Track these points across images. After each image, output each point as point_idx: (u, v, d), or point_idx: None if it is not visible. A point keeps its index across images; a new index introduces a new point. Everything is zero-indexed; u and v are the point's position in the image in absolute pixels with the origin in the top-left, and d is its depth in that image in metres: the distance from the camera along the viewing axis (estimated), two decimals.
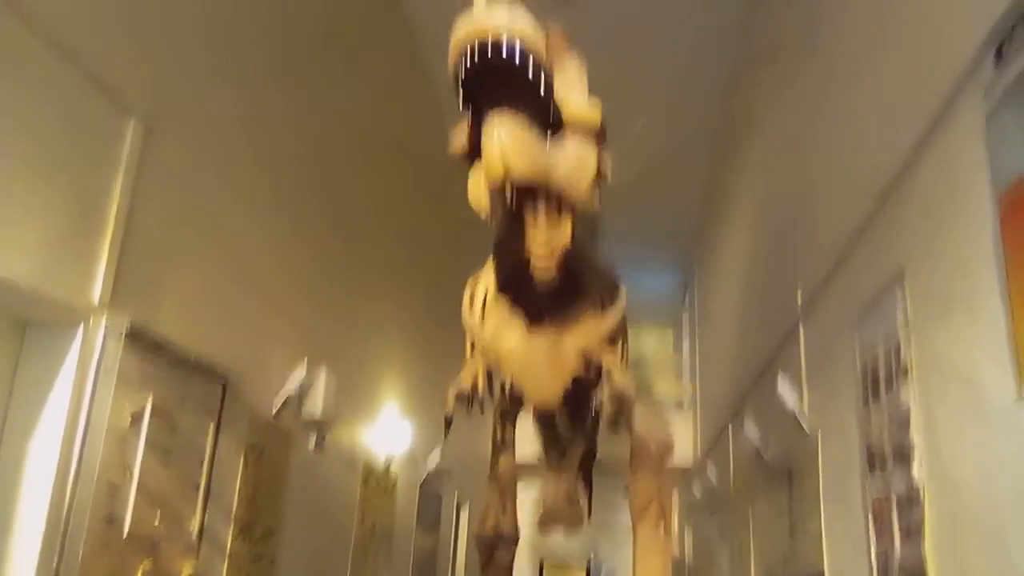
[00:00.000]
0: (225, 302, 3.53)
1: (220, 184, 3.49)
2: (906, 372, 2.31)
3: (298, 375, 3.96)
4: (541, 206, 2.07)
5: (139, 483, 2.82)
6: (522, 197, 2.03)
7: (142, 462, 2.84)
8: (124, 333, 2.71)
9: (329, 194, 4.70)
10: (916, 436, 2.23)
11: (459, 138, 2.07)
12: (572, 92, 2.03)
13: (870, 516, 2.59)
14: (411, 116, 6.25)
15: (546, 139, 1.94)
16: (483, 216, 2.18)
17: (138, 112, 2.81)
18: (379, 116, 5.54)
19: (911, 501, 2.24)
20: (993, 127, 1.79)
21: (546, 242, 2.14)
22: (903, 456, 2.31)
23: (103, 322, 2.62)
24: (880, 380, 2.54)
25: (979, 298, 1.84)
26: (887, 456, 2.45)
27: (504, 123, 1.78)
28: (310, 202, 4.43)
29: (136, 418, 2.84)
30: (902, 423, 2.32)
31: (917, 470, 2.21)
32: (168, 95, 3.06)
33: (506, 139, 1.78)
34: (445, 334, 2.77)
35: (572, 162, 2.01)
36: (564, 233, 2.15)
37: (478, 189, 2.11)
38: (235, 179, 3.62)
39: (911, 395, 2.28)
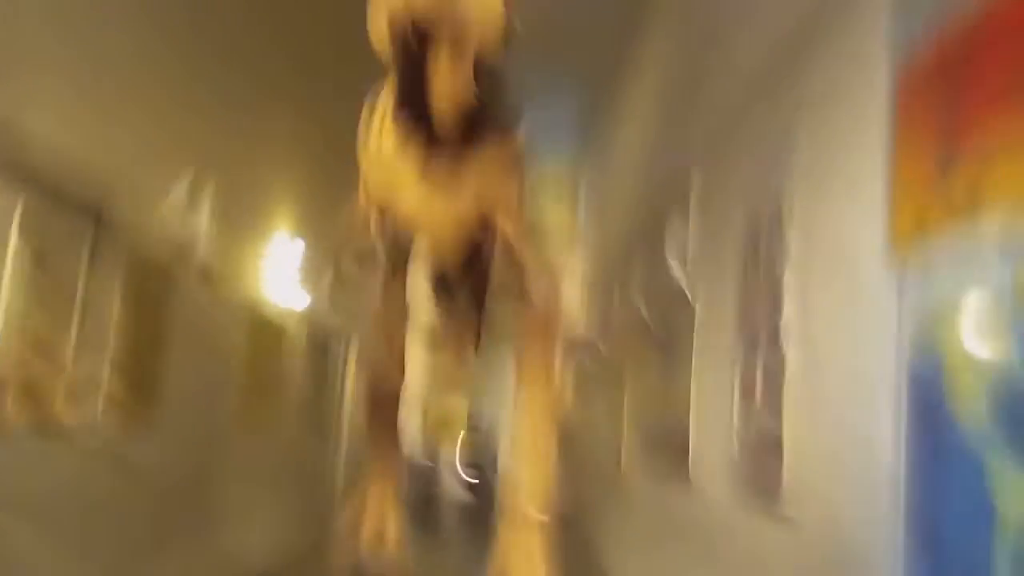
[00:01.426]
0: (97, 121, 3.28)
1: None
2: (785, 245, 2.38)
3: (178, 194, 3.75)
4: (444, 47, 1.96)
5: (6, 322, 2.68)
6: (424, 36, 1.91)
7: (14, 302, 2.69)
8: None
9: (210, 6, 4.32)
10: (788, 308, 2.33)
11: None
12: None
13: (736, 384, 2.73)
14: None
15: None
16: (384, 56, 2.05)
17: None
18: None
19: (777, 372, 2.37)
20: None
21: (448, 85, 2.04)
22: (775, 328, 2.41)
23: None
24: (760, 255, 2.62)
25: (862, 175, 1.88)
26: (760, 327, 2.56)
27: None
28: (187, 11, 4.08)
29: (1, 255, 2.66)
30: (777, 297, 2.41)
31: (785, 342, 2.32)
32: None
33: None
34: (342, 157, 2.67)
35: (478, 3, 1.90)
36: (467, 80, 2.06)
37: (378, 24, 1.97)
38: None
39: (788, 268, 2.35)
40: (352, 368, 8.04)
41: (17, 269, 2.73)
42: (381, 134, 2.50)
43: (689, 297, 3.52)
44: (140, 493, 3.70)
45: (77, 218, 3.09)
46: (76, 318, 3.12)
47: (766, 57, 2.67)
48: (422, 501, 11.05)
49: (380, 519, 2.95)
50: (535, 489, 2.55)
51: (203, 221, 3.97)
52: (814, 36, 2.29)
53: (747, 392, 2.64)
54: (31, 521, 2.87)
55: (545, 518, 2.40)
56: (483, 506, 9.81)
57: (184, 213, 3.86)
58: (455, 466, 12.33)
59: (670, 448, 3.69)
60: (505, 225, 2.57)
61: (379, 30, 1.99)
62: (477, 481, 11.63)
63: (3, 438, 2.72)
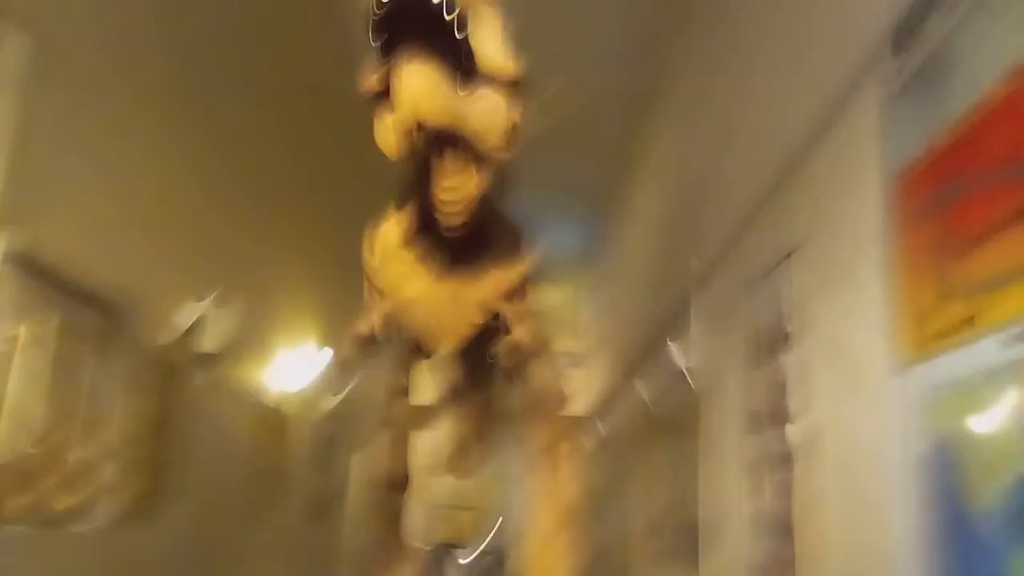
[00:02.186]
0: (114, 232, 3.38)
1: (111, 110, 3.31)
2: (788, 341, 2.42)
3: (189, 309, 3.84)
4: (450, 153, 2.04)
5: (14, 414, 2.70)
6: (432, 143, 1.99)
7: (19, 392, 2.72)
8: (1, 258, 2.56)
9: (224, 126, 4.50)
10: (793, 402, 2.35)
11: (370, 77, 2.01)
12: (489, 41, 1.99)
13: (745, 474, 2.73)
14: (319, 50, 6.02)
15: (460, 86, 1.90)
16: (392, 157, 2.13)
17: (27, 25, 2.62)
18: (283, 49, 5.32)
19: (784, 462, 2.37)
20: (889, 113, 1.86)
21: (454, 190, 2.12)
22: (780, 420, 2.43)
23: None
24: (764, 348, 2.65)
25: (862, 275, 1.94)
26: (766, 419, 2.57)
27: (417, 64, 1.73)
28: (207, 135, 4.24)
29: (11, 346, 2.70)
30: (781, 388, 2.44)
31: (791, 434, 2.33)
32: (58, 9, 2.86)
33: (418, 81, 1.74)
34: (348, 275, 2.74)
35: (485, 111, 1.98)
36: (473, 183, 2.13)
37: (386, 131, 2.05)
38: (127, 106, 3.44)
39: (791, 363, 2.39)
40: (356, 456, 7.97)
41: (28, 362, 2.77)
42: (387, 239, 2.57)
43: (694, 389, 3.54)
44: None
45: (88, 324, 3.16)
46: (82, 413, 3.15)
47: (767, 164, 2.77)
48: None
49: None
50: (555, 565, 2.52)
51: (213, 333, 4.05)
52: (812, 146, 2.38)
53: (754, 481, 2.63)
54: None
55: None
56: None
57: (196, 325, 3.94)
58: (463, 552, 12.03)
59: (679, 533, 3.64)
60: (510, 320, 2.61)
61: (386, 136, 2.06)
62: (486, 568, 11.29)
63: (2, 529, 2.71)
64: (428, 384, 3.86)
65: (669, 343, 3.70)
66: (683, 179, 4.63)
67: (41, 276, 2.81)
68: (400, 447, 3.19)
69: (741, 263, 3.06)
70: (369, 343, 2.73)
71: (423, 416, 3.61)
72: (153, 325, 3.70)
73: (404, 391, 3.26)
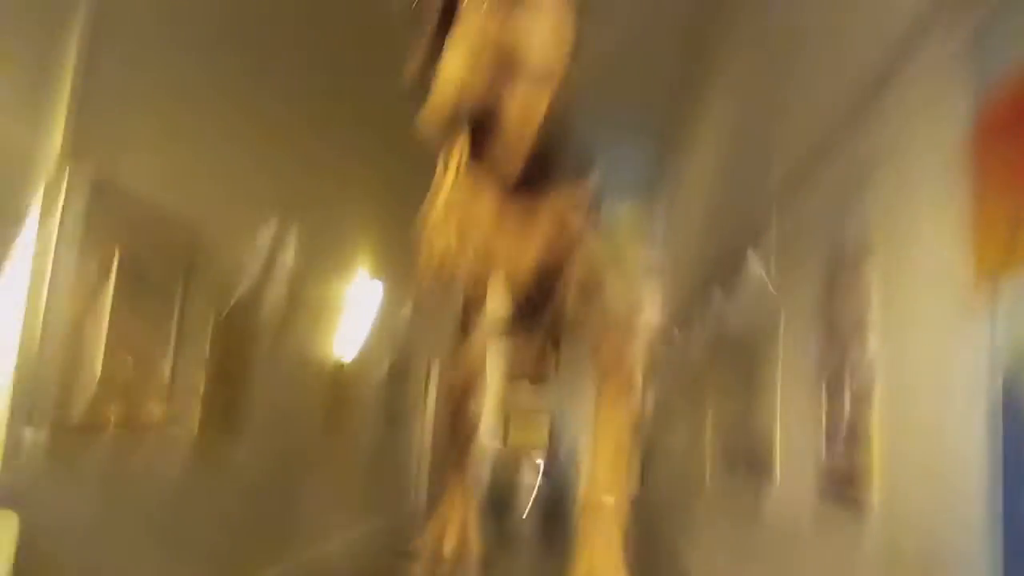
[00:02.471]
0: (191, 157, 3.46)
1: (183, 36, 3.32)
2: (871, 250, 2.35)
3: (268, 230, 3.93)
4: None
5: (109, 332, 2.85)
6: (476, 123, 1.96)
7: (112, 312, 2.86)
8: (88, 184, 2.66)
9: (278, 69, 4.44)
10: (874, 312, 2.29)
11: (412, 64, 1.97)
12: (538, 24, 1.91)
13: (824, 383, 2.69)
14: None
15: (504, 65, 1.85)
16: (433, 142, 2.09)
17: None
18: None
19: (863, 371, 2.33)
20: (980, 31, 1.75)
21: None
22: (860, 330, 2.38)
23: (65, 175, 2.56)
24: (846, 258, 2.58)
25: (947, 184, 1.85)
26: (845, 329, 2.52)
27: (460, 51, 1.71)
28: (262, 77, 4.22)
29: (105, 269, 2.83)
30: (862, 303, 2.38)
31: (872, 343, 2.29)
32: None
33: (461, 69, 1.72)
34: (420, 191, 2.75)
35: (523, 104, 1.94)
36: (522, 151, 2.09)
37: (428, 117, 2.00)
38: (195, 28, 3.44)
39: (873, 272, 2.33)
40: (435, 367, 8.20)
41: (119, 297, 2.90)
42: (453, 177, 2.55)
43: (773, 301, 3.47)
44: (227, 491, 3.87)
45: (174, 246, 3.27)
46: (173, 330, 3.30)
47: (845, 94, 2.64)
48: (501, 489, 11.09)
49: (461, 529, 3.01)
50: (613, 482, 2.57)
51: (288, 260, 4.15)
52: (892, 74, 2.26)
53: (832, 392, 2.60)
54: (125, 512, 3.04)
55: (621, 503, 2.41)
56: (561, 497, 9.81)
57: (269, 253, 4.03)
58: (535, 461, 12.36)
59: (756, 462, 3.64)
60: (581, 240, 2.59)
61: (429, 119, 2.00)
62: (557, 476, 11.60)
63: (102, 436, 2.90)
64: (500, 308, 3.89)
65: (750, 252, 3.62)
66: (760, 91, 4.44)
67: (125, 202, 2.91)
68: (477, 352, 3.24)
69: (823, 172, 2.95)
70: (432, 292, 2.75)
71: (499, 323, 3.65)
72: (234, 246, 3.81)
73: (480, 300, 3.29)
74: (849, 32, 2.82)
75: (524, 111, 1.94)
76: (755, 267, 3.57)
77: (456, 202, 2.51)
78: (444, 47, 1.72)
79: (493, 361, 3.42)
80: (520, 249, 2.46)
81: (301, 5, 4.64)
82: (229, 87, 3.77)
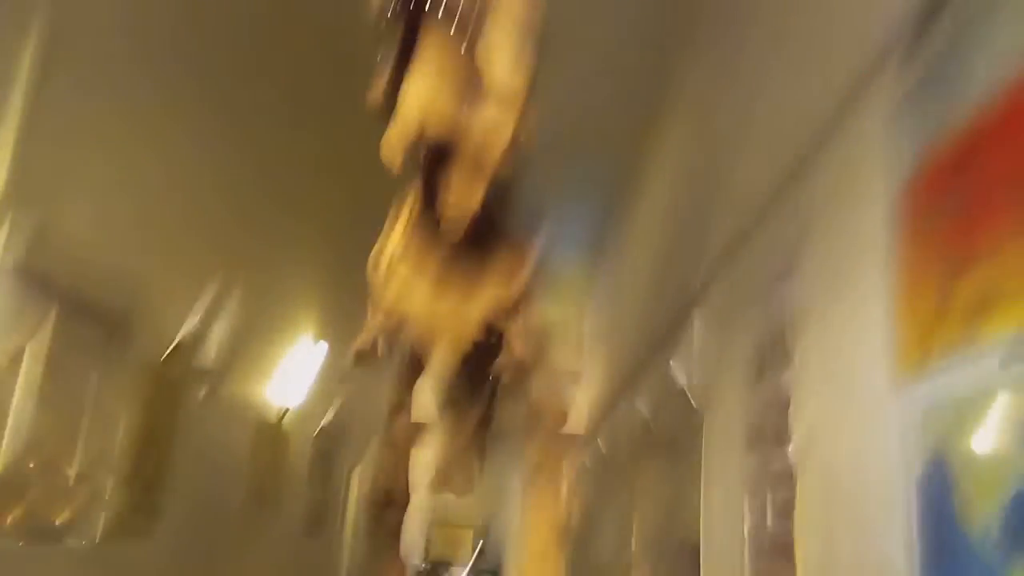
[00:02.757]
0: (122, 238, 3.38)
1: (125, 84, 3.29)
2: (790, 358, 2.41)
3: (190, 323, 3.84)
4: (455, 167, 2.06)
5: (12, 427, 2.69)
6: (433, 154, 2.01)
7: (16, 405, 2.72)
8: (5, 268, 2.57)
9: (240, 130, 4.49)
10: (794, 419, 2.34)
11: (375, 91, 2.02)
12: (499, 49, 1.98)
13: (746, 493, 2.71)
14: (331, 45, 6.02)
15: (465, 100, 1.91)
16: (394, 172, 2.13)
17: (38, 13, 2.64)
18: (295, 45, 5.32)
19: (785, 481, 2.36)
20: (893, 127, 1.85)
21: (457, 204, 2.13)
22: (781, 438, 2.42)
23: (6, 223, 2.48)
24: (766, 365, 2.64)
25: (864, 291, 1.93)
26: (767, 437, 2.56)
27: (423, 79, 1.75)
28: (214, 134, 4.23)
29: (15, 360, 2.70)
30: (782, 406, 2.43)
31: (792, 452, 2.33)
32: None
33: (422, 91, 1.75)
34: (358, 283, 2.73)
35: (487, 127, 1.99)
36: (475, 196, 2.14)
37: (390, 143, 2.06)
38: (132, 101, 3.42)
39: (792, 380, 2.38)
40: (357, 471, 7.95)
41: (27, 374, 2.77)
42: (396, 243, 2.59)
43: (695, 403, 3.53)
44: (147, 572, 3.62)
45: (91, 337, 3.16)
46: (83, 427, 3.14)
47: (771, 172, 2.76)
48: None
49: None
50: None
51: (224, 325, 4.05)
52: (815, 154, 2.37)
53: (755, 500, 2.62)
54: None
55: None
56: None
57: (206, 318, 3.94)
58: (458, 572, 11.96)
59: (679, 552, 3.62)
60: (512, 335, 2.62)
61: (391, 149, 2.08)
62: None
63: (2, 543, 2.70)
64: (428, 400, 3.85)
65: (671, 361, 3.69)
66: (686, 189, 4.62)
67: (42, 285, 2.81)
68: (400, 463, 3.18)
69: (743, 275, 3.05)
70: (370, 357, 2.74)
71: (423, 433, 3.60)
72: (153, 335, 3.69)
73: (404, 407, 3.26)
74: (777, 120, 2.94)
75: (488, 136, 1.94)
76: (676, 371, 3.64)
77: (397, 265, 2.52)
78: (407, 73, 1.75)
79: (418, 468, 3.36)
80: (457, 313, 2.46)
81: (258, 65, 4.67)
82: (174, 140, 3.73)
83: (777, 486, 2.43)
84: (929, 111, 1.70)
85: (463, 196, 2.11)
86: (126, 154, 3.35)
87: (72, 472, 3.08)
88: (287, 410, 5.60)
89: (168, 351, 3.73)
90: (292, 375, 5.62)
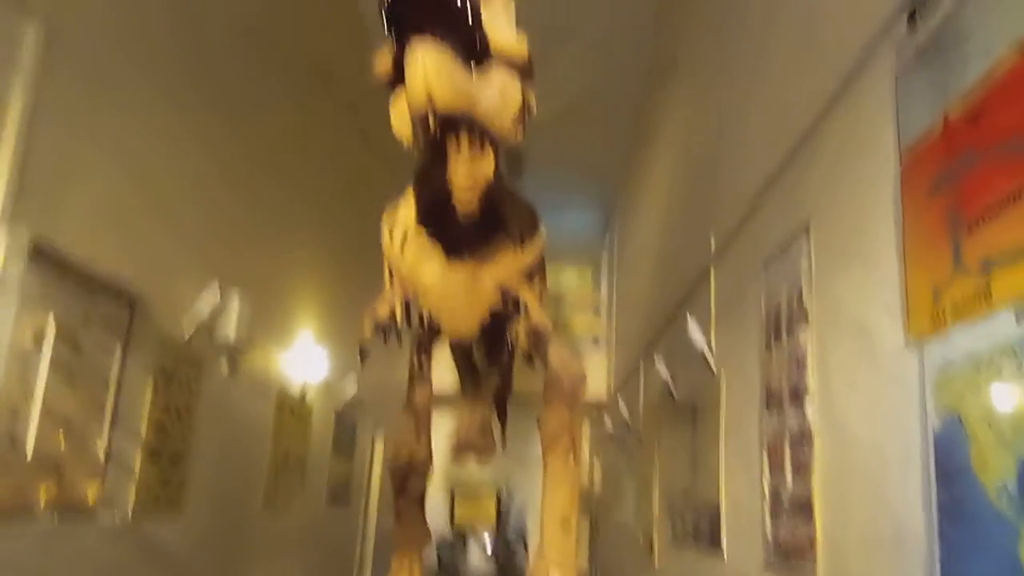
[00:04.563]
0: (133, 220, 3.41)
1: (125, 97, 3.33)
2: (806, 317, 2.42)
3: (209, 297, 3.88)
4: (464, 137, 2.06)
5: (42, 405, 2.75)
6: (445, 127, 2.01)
7: (45, 383, 2.77)
8: (25, 249, 2.60)
9: (242, 114, 4.52)
10: (811, 379, 2.35)
11: (383, 63, 2.02)
12: (499, 24, 2.00)
13: (765, 453, 2.73)
14: (334, 36, 6.03)
15: (471, 69, 1.92)
16: (406, 144, 2.15)
17: (40, 15, 2.65)
18: (299, 35, 5.34)
19: (803, 439, 2.38)
20: (902, 86, 1.85)
21: (468, 174, 2.13)
22: (798, 397, 2.43)
23: (2, 238, 2.50)
24: (782, 325, 2.65)
25: (876, 250, 1.93)
26: (784, 397, 2.58)
27: (428, 50, 1.75)
28: (223, 122, 4.27)
29: (38, 338, 2.75)
30: (799, 366, 2.44)
31: (810, 411, 2.34)
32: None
33: (430, 67, 1.75)
34: (364, 261, 2.73)
35: (497, 94, 1.99)
36: (487, 166, 2.14)
37: (401, 117, 2.07)
38: (140, 93, 3.45)
39: (809, 339, 2.39)
40: (380, 443, 8.06)
41: (55, 360, 2.81)
42: (406, 224, 2.60)
43: (713, 368, 3.54)
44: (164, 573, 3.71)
45: (112, 314, 3.20)
46: (109, 404, 3.19)
47: (782, 137, 2.75)
48: (449, 569, 10.80)
49: None
50: (561, 555, 2.55)
51: (232, 324, 4.10)
52: (825, 119, 2.37)
53: (774, 459, 2.64)
54: None
55: None
56: (510, 573, 9.61)
57: (215, 315, 3.98)
58: (482, 538, 12.13)
59: (700, 515, 3.65)
60: (527, 302, 2.63)
61: (402, 122, 2.09)
62: (505, 552, 11.41)
63: (31, 519, 2.76)
64: (448, 368, 3.89)
65: (689, 322, 3.70)
66: (697, 155, 4.61)
67: (62, 267, 2.85)
68: (421, 431, 3.22)
69: (758, 238, 3.05)
70: (388, 328, 2.76)
71: (443, 400, 3.64)
72: (174, 314, 3.74)
73: (424, 375, 3.29)
74: (777, 90, 2.95)
75: (498, 101, 2.01)
76: (694, 334, 3.64)
77: (408, 245, 2.55)
78: (412, 45, 1.76)
79: (440, 437, 3.40)
80: (469, 291, 2.49)
81: (260, 56, 4.69)
82: (171, 153, 3.75)
83: (795, 445, 2.45)
84: (937, 74, 1.69)
85: (474, 167, 2.12)
86: (132, 146, 3.37)
87: (102, 449, 3.14)
88: (308, 384, 5.66)
89: (191, 330, 3.78)
90: (313, 350, 5.68)
